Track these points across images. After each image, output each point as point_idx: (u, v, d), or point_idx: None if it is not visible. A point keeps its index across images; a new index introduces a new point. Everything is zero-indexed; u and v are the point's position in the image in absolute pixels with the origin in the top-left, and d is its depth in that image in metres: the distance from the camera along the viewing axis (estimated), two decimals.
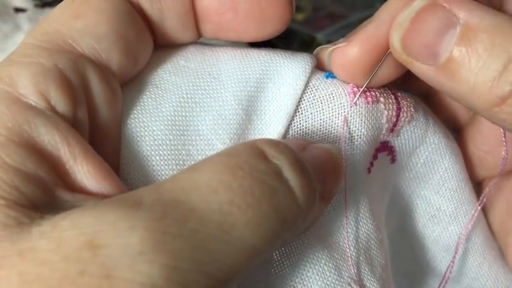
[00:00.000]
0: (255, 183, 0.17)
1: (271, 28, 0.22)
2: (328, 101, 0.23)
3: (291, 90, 0.22)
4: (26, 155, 0.17)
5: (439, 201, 0.27)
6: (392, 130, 0.24)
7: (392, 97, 0.23)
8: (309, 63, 0.23)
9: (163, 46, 0.23)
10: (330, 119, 0.23)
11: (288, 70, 0.22)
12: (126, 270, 0.14)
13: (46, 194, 0.17)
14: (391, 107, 0.23)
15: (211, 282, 0.15)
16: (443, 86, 0.20)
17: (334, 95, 0.23)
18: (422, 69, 0.20)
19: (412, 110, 0.24)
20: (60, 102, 0.18)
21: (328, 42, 0.24)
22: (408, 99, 0.24)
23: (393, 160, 0.25)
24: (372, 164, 0.24)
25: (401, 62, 0.21)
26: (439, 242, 0.28)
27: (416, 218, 0.28)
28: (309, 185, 0.18)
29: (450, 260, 0.27)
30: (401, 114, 0.24)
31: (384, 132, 0.23)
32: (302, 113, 0.22)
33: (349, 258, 0.22)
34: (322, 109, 0.23)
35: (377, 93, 0.23)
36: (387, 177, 0.26)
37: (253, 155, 0.18)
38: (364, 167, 0.23)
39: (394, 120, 0.24)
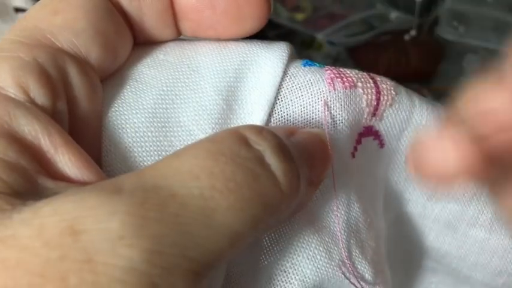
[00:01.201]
0: (237, 169, 0.17)
1: (249, 25, 0.23)
2: (306, 88, 0.23)
3: (270, 78, 0.23)
4: (6, 144, 0.17)
5: None
6: (374, 114, 0.24)
7: (371, 81, 0.24)
8: (286, 51, 0.23)
9: (143, 43, 0.23)
10: (310, 105, 0.23)
11: (266, 59, 0.23)
12: (107, 255, 0.14)
13: (28, 182, 0.17)
14: (369, 91, 0.23)
15: (193, 266, 0.15)
16: None
17: (312, 81, 0.23)
18: None
19: (393, 92, 0.24)
20: (40, 95, 0.19)
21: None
22: (388, 82, 0.24)
23: (381, 145, 0.25)
24: (355, 149, 0.24)
25: None
26: (439, 221, 0.28)
27: (414, 199, 0.28)
28: (291, 170, 0.18)
29: (453, 236, 0.27)
30: (381, 98, 0.24)
31: (365, 116, 0.24)
32: (282, 100, 0.23)
33: (340, 242, 0.22)
34: (302, 95, 0.23)
35: (353, 78, 0.23)
36: (377, 163, 0.26)
37: (235, 141, 0.18)
38: (347, 151, 0.24)
39: (375, 103, 0.24)
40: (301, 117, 0.23)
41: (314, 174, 0.20)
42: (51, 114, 0.19)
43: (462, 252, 0.28)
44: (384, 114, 0.24)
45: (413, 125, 0.25)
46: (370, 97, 0.24)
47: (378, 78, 0.24)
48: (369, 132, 0.24)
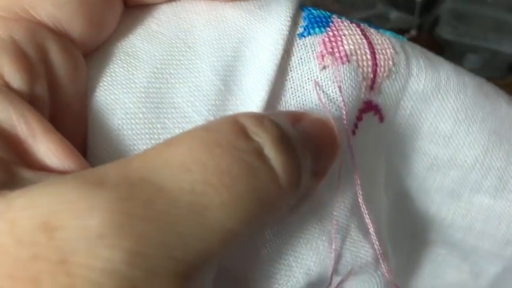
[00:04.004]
0: (233, 162, 0.16)
1: None
2: (296, 68, 0.22)
3: (269, 55, 0.21)
4: None
5: (434, 149, 0.26)
6: (372, 87, 0.23)
7: (368, 52, 0.23)
8: (286, 23, 0.22)
9: (134, 6, 0.22)
10: (300, 86, 0.22)
11: (265, 36, 0.22)
12: (84, 255, 0.13)
13: (4, 173, 0.16)
14: (365, 63, 0.22)
15: (181, 267, 0.14)
16: None
17: (302, 59, 0.22)
18: None
19: (391, 63, 0.23)
20: (15, 78, 0.17)
21: None
22: (388, 51, 0.23)
23: (381, 119, 0.24)
24: (356, 126, 0.23)
25: None
26: (442, 190, 0.27)
27: (414, 172, 0.27)
28: (292, 164, 0.17)
29: (457, 205, 0.26)
30: (377, 70, 0.23)
31: (363, 90, 0.23)
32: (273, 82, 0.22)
33: (335, 228, 0.21)
34: (292, 77, 0.22)
35: (347, 51, 0.22)
36: (378, 139, 0.25)
37: (233, 131, 0.16)
38: (348, 129, 0.22)
39: (372, 76, 0.23)
40: (292, 99, 0.22)
41: (320, 165, 0.19)
42: (28, 99, 0.17)
43: (467, 222, 0.27)
44: (382, 87, 0.23)
45: (409, 94, 0.24)
46: (366, 70, 0.22)
47: (378, 46, 0.23)
48: (368, 107, 0.23)
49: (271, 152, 0.17)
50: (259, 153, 0.16)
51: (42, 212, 0.14)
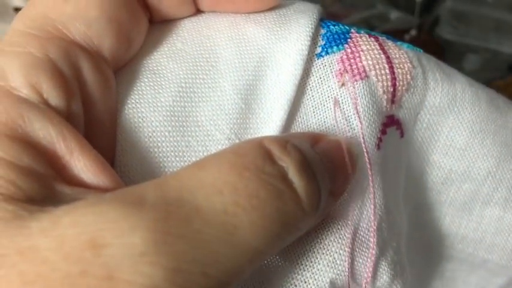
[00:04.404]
0: (260, 185, 0.17)
1: (268, 0, 0.22)
2: (317, 87, 0.22)
3: (289, 76, 0.22)
4: (21, 149, 0.16)
5: (449, 162, 0.26)
6: (393, 101, 0.23)
7: (386, 67, 0.23)
8: (306, 41, 0.22)
9: (157, 22, 0.22)
10: (321, 104, 0.22)
11: (286, 55, 0.22)
12: (128, 272, 0.14)
13: (44, 188, 0.16)
14: (384, 77, 0.23)
15: (212, 283, 0.15)
16: None
17: (322, 79, 0.22)
18: None
19: (408, 77, 0.24)
20: (53, 95, 0.18)
21: None
22: (406, 65, 0.24)
23: (402, 134, 0.25)
24: (380, 140, 0.23)
25: None
26: (455, 203, 0.27)
27: (430, 186, 0.27)
28: (314, 188, 0.18)
29: (468, 219, 0.27)
30: (397, 84, 0.23)
31: (385, 104, 0.23)
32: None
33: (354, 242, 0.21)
34: (312, 96, 0.22)
35: (366, 67, 0.23)
36: (399, 153, 0.25)
37: (259, 156, 0.17)
38: (372, 144, 0.23)
39: (392, 90, 0.23)
40: (313, 117, 0.22)
41: (336, 186, 0.20)
42: (65, 116, 0.18)
43: (478, 235, 0.27)
44: (401, 101, 0.24)
45: (426, 108, 0.25)
46: (385, 84, 0.23)
47: (396, 61, 0.23)
48: (391, 122, 0.24)
49: (294, 176, 0.17)
50: (284, 177, 0.17)
51: (88, 230, 0.14)
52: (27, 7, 0.19)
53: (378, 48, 0.23)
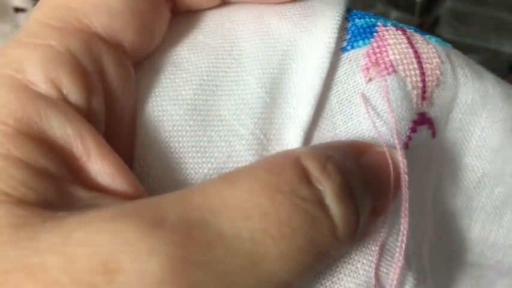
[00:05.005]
0: (293, 211, 0.15)
1: None
2: (342, 82, 0.22)
3: (316, 69, 0.21)
4: (36, 148, 0.15)
5: (482, 165, 0.25)
6: (423, 97, 0.22)
7: (415, 61, 0.22)
8: (333, 35, 0.21)
9: (179, 14, 0.22)
10: (347, 100, 0.21)
11: (311, 49, 0.21)
12: None
13: (58, 191, 0.15)
14: (413, 72, 0.22)
15: None
16: None
17: (348, 73, 0.22)
18: None
19: (438, 72, 0.22)
20: (73, 91, 0.17)
21: None
22: (434, 60, 0.22)
23: (434, 134, 0.23)
24: (409, 138, 0.22)
25: None
26: (486, 209, 0.26)
27: (462, 191, 0.26)
28: (352, 216, 0.16)
29: (499, 224, 0.25)
30: (426, 79, 0.22)
31: (415, 100, 0.22)
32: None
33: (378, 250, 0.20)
34: (338, 91, 0.22)
35: (393, 61, 0.22)
36: (430, 155, 0.24)
37: (295, 176, 0.16)
38: (400, 142, 0.21)
39: (421, 85, 0.22)
40: (340, 113, 0.21)
41: (379, 202, 0.18)
42: (85, 113, 0.17)
43: (509, 241, 0.26)
44: (433, 97, 0.22)
45: (458, 106, 0.24)
46: (414, 79, 0.22)
47: (424, 55, 0.22)
48: (423, 120, 0.22)
49: (332, 202, 0.16)
50: (320, 202, 0.16)
51: (101, 251, 0.13)
52: None
53: (406, 42, 0.22)
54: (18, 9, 0.55)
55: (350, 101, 0.21)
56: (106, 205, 0.15)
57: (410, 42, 0.22)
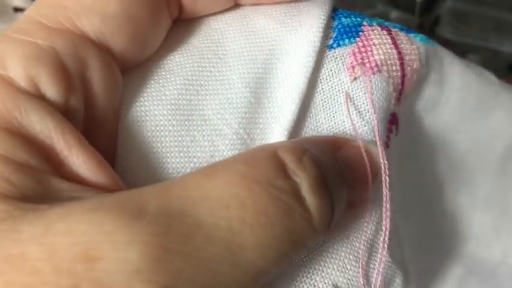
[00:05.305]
0: (270, 201, 0.16)
1: None
2: (327, 80, 0.22)
3: (301, 68, 0.21)
4: (16, 143, 0.16)
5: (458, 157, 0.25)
6: (399, 99, 0.23)
7: (398, 63, 0.22)
8: (318, 34, 0.21)
9: (185, 19, 0.21)
10: (331, 98, 0.22)
11: (297, 47, 0.21)
12: None
13: (39, 184, 0.16)
14: (395, 74, 0.22)
15: None
16: None
17: (333, 71, 0.22)
18: None
19: (415, 77, 0.23)
20: (51, 90, 0.17)
21: None
22: (415, 63, 0.23)
23: (397, 131, 0.24)
24: (388, 138, 0.22)
25: None
26: (477, 198, 0.26)
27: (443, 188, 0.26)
28: (327, 206, 0.17)
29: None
30: (405, 82, 0.22)
31: (392, 102, 0.22)
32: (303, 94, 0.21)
33: (364, 244, 0.21)
34: (323, 89, 0.22)
35: (378, 61, 0.22)
36: (396, 151, 0.24)
37: (272, 168, 0.16)
38: (383, 143, 0.22)
39: (400, 88, 0.22)
40: (323, 112, 0.22)
41: (356, 196, 0.19)
42: (62, 111, 0.17)
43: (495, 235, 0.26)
44: (403, 97, 0.23)
45: (422, 100, 0.24)
46: (395, 80, 0.22)
47: (407, 57, 0.22)
48: (393, 120, 0.23)
49: (307, 193, 0.17)
50: (296, 193, 0.16)
51: (81, 241, 0.14)
52: None
53: (390, 42, 0.22)
54: (17, 9, 0.55)
55: (334, 99, 0.22)
56: (87, 197, 0.16)
57: (394, 43, 0.23)
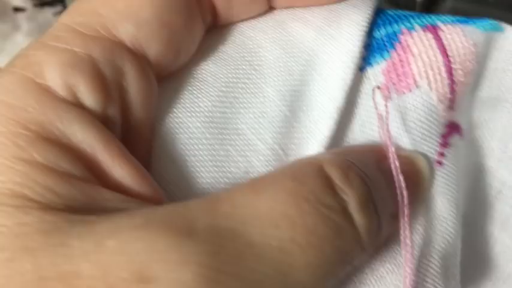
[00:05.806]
0: (320, 221, 0.16)
1: None
2: (363, 103, 0.21)
3: (339, 82, 0.20)
4: (58, 153, 0.15)
5: (503, 172, 0.24)
6: (452, 107, 0.21)
7: (443, 70, 0.21)
8: (358, 43, 0.20)
9: (220, 26, 0.21)
10: (366, 120, 0.21)
11: (335, 58, 0.21)
12: None
13: (84, 195, 0.15)
14: (440, 84, 0.21)
15: None
16: None
17: (367, 93, 0.21)
18: None
19: (468, 78, 0.21)
20: (89, 98, 0.17)
21: None
22: (468, 63, 0.21)
23: (461, 135, 0.23)
24: (441, 154, 0.21)
25: None
26: (497, 220, 0.25)
27: (482, 197, 0.25)
28: (375, 225, 0.17)
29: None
30: (456, 88, 0.21)
31: (442, 113, 0.21)
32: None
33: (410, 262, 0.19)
34: (357, 112, 0.21)
35: (417, 76, 0.20)
36: (463, 159, 0.23)
37: (320, 185, 0.16)
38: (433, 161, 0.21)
39: (450, 96, 0.21)
40: (358, 134, 0.21)
41: (398, 206, 0.19)
42: (101, 120, 0.17)
43: None
44: (459, 103, 0.22)
45: (476, 103, 0.23)
46: (441, 90, 0.21)
47: (457, 59, 0.21)
48: (453, 129, 0.22)
49: (355, 211, 0.16)
50: (344, 211, 0.16)
51: (135, 260, 0.13)
52: (79, 0, 0.18)
53: (435, 47, 0.21)
54: (17, 9, 0.55)
55: (369, 122, 0.21)
56: (134, 211, 0.15)
57: (441, 46, 0.21)
